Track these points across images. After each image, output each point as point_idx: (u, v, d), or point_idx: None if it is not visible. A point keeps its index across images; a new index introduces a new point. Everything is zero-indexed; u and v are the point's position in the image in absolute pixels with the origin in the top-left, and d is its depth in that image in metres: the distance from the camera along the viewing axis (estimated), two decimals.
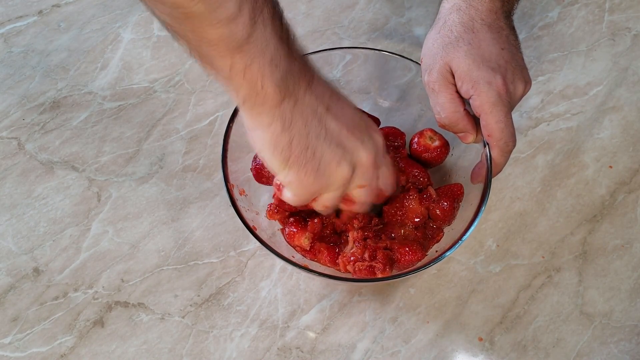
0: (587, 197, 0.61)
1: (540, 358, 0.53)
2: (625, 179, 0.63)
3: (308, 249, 0.51)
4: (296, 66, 0.41)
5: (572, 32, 0.73)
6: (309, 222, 0.51)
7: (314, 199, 0.46)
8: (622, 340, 0.54)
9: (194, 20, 0.36)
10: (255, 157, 0.54)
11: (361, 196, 0.47)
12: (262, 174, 0.53)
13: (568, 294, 0.56)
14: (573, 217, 0.60)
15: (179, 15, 0.36)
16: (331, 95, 0.44)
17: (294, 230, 0.51)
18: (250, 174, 0.55)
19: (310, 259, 0.52)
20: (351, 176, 0.45)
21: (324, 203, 0.46)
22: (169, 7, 0.36)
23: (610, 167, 0.63)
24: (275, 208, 0.52)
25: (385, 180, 0.49)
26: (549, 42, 0.72)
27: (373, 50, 0.59)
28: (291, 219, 0.52)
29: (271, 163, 0.43)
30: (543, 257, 0.58)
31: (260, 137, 0.42)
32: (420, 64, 0.57)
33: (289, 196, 0.45)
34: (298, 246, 0.52)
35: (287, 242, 0.52)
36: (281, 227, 0.54)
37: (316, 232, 0.52)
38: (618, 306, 0.55)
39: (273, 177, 0.48)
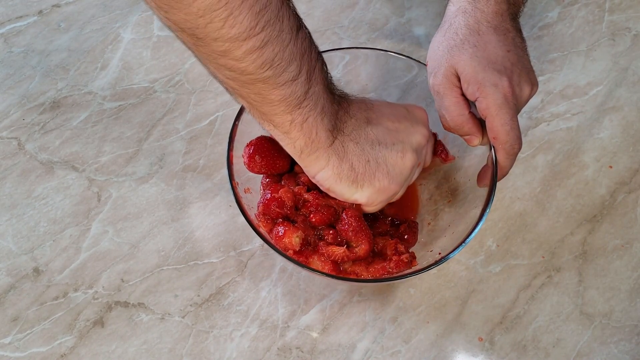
0: (587, 197, 0.61)
1: (540, 358, 0.53)
2: (625, 179, 0.63)
3: (298, 248, 0.49)
4: (336, 105, 0.44)
5: (572, 32, 0.73)
6: (297, 224, 0.50)
7: None
8: (622, 340, 0.54)
9: (259, 85, 0.38)
10: (247, 145, 0.53)
11: (416, 175, 0.52)
12: (254, 161, 0.52)
13: (568, 294, 0.56)
14: (573, 217, 0.60)
15: (246, 80, 0.38)
16: (365, 108, 0.48)
17: (284, 229, 0.49)
18: (252, 174, 0.55)
19: (303, 263, 0.50)
20: (414, 166, 0.49)
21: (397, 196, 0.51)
22: (236, 73, 0.38)
23: (610, 167, 0.63)
24: (263, 217, 0.51)
25: (430, 150, 0.53)
26: (549, 42, 0.72)
27: (373, 50, 0.59)
28: (279, 220, 0.51)
29: (342, 191, 0.47)
30: (543, 257, 0.58)
31: (324, 177, 0.46)
32: (420, 62, 0.57)
33: (370, 209, 0.50)
34: (289, 248, 0.50)
35: (276, 244, 0.50)
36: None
37: (307, 233, 0.50)
38: (618, 306, 0.55)
39: (265, 164, 0.52)
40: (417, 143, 0.49)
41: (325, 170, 0.45)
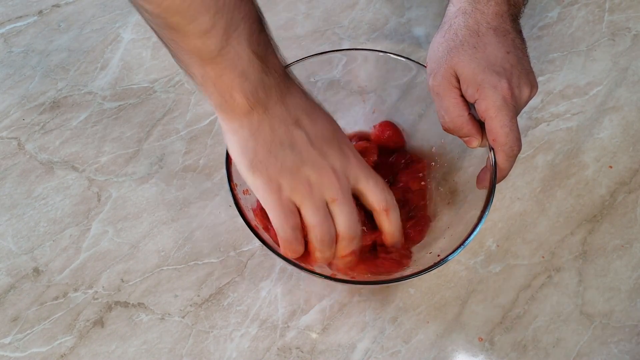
0: (587, 197, 0.61)
1: (540, 358, 0.53)
2: (625, 179, 0.63)
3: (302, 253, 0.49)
4: (270, 80, 0.42)
5: (572, 32, 0.73)
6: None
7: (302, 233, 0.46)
8: (622, 340, 0.54)
9: (171, 30, 0.39)
10: None
11: (337, 216, 0.45)
12: None
13: (568, 294, 0.56)
14: (573, 217, 0.60)
15: (160, 24, 0.39)
16: (305, 110, 0.45)
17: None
18: None
19: (304, 264, 0.49)
20: (313, 185, 0.45)
21: (312, 224, 0.45)
22: (150, 16, 0.39)
23: (610, 167, 0.63)
24: (261, 211, 0.51)
25: (372, 192, 0.47)
26: (549, 42, 0.72)
27: (372, 52, 0.59)
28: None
29: (239, 164, 0.45)
30: (543, 257, 0.58)
31: (231, 140, 0.45)
32: (419, 63, 0.57)
33: (276, 225, 0.45)
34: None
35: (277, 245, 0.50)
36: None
37: (305, 235, 0.49)
38: (618, 306, 0.55)
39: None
40: (319, 170, 0.45)
41: (234, 136, 0.44)
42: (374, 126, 0.60)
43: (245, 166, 0.44)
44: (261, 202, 0.45)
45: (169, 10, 0.37)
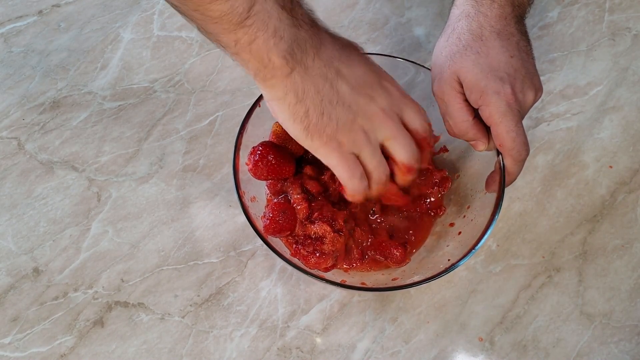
0: (587, 197, 0.61)
1: (540, 358, 0.53)
2: (625, 179, 0.62)
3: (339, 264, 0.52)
4: (302, 33, 0.41)
5: (572, 32, 0.73)
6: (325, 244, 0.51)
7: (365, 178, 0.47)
8: (622, 340, 0.54)
9: None
10: (250, 153, 0.52)
11: (396, 150, 0.47)
12: (259, 168, 0.51)
13: (568, 294, 0.56)
14: (573, 217, 0.60)
15: None
16: (340, 57, 0.44)
17: (317, 255, 0.50)
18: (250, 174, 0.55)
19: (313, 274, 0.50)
20: (368, 132, 0.45)
21: (371, 168, 0.46)
22: None
23: (610, 167, 0.63)
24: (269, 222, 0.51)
25: (414, 121, 0.48)
26: (549, 42, 0.72)
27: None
28: (303, 250, 0.51)
29: (294, 133, 0.44)
30: (543, 257, 0.58)
31: (278, 109, 0.43)
32: (417, 64, 0.57)
33: (344, 179, 0.46)
34: (325, 267, 0.51)
35: (313, 267, 0.51)
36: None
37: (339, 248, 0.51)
38: (618, 306, 0.55)
39: (269, 171, 0.50)
40: (370, 114, 0.45)
41: (281, 104, 0.43)
42: None
43: (300, 132, 0.43)
44: (324, 161, 0.46)
45: None
